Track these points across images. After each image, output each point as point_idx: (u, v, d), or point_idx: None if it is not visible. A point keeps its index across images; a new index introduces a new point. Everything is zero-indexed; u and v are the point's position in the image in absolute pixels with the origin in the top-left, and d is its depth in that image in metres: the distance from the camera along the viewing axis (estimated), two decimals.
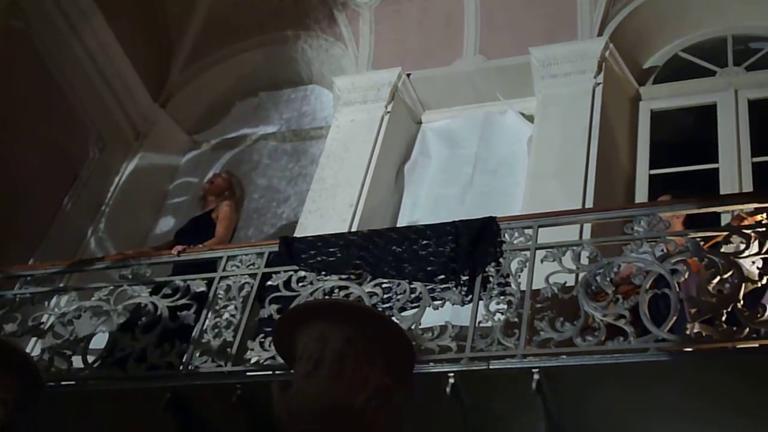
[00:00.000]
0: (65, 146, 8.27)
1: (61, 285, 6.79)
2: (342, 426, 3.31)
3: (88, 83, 8.53)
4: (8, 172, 7.55)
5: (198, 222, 7.17)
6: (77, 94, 8.43)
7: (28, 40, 7.88)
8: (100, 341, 6.10)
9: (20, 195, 7.67)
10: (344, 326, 3.42)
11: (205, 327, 5.82)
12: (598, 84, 7.79)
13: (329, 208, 7.66)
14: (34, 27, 7.93)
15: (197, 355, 5.70)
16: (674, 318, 4.96)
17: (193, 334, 5.82)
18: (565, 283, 5.36)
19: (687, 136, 8.12)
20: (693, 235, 5.28)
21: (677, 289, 5.05)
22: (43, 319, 6.43)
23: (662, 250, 5.34)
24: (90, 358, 6.02)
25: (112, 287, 6.21)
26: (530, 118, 8.15)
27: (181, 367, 5.68)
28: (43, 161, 7.93)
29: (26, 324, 6.34)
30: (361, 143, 8.13)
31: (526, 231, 5.65)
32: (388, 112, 8.36)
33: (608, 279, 5.20)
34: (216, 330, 5.80)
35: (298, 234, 7.02)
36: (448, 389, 5.11)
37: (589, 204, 6.78)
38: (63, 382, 5.85)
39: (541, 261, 5.47)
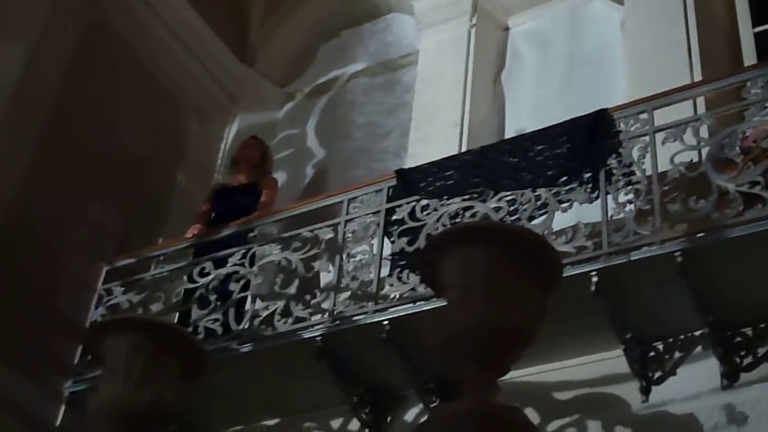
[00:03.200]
0: (167, 125, 8.39)
1: (192, 259, 6.96)
2: (503, 344, 3.33)
3: (174, 58, 8.61)
4: (120, 161, 7.71)
5: (239, 192, 7.25)
6: (166, 71, 8.53)
7: (111, 29, 7.97)
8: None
9: (136, 180, 7.84)
10: (486, 247, 3.43)
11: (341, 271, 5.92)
12: None
13: (434, 132, 7.61)
14: (113, 15, 8.02)
15: (339, 300, 5.80)
16: None
17: (331, 280, 5.95)
18: (692, 160, 5.27)
19: None
20: None
21: None
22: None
23: None
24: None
25: (244, 250, 6.34)
26: (619, 2, 7.91)
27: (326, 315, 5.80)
28: (150, 143, 8.08)
29: (170, 301, 6.55)
30: (452, 62, 8.03)
31: (641, 116, 5.56)
32: (473, 25, 8.20)
33: (737, 147, 5.08)
34: (352, 273, 5.89)
35: (408, 164, 7.02)
36: (592, 288, 5.10)
37: (697, 77, 6.58)
38: (215, 348, 5.99)
39: (662, 143, 5.38)
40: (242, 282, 6.16)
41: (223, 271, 6.29)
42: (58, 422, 6.55)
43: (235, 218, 6.78)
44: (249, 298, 6.27)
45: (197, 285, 6.33)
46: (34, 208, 6.90)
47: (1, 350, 6.38)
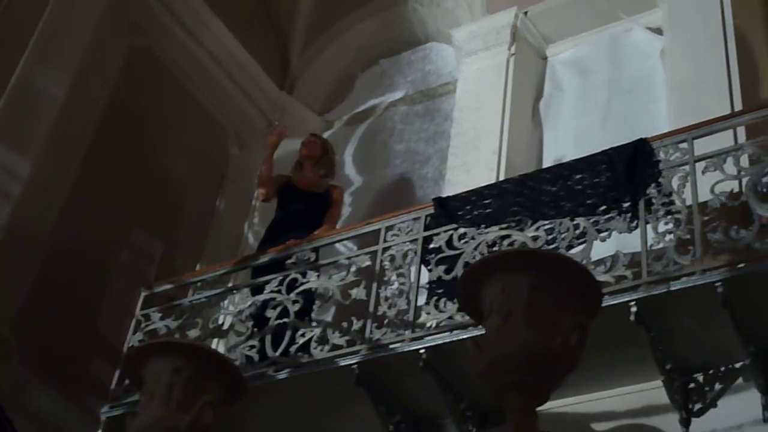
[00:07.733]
0: (207, 150, 8.49)
1: (231, 284, 6.98)
2: (545, 370, 3.32)
3: (215, 84, 8.74)
4: (160, 186, 7.80)
5: (307, 198, 7.33)
6: (207, 96, 8.64)
7: (153, 55, 8.11)
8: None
9: (175, 205, 7.93)
10: (526, 273, 3.43)
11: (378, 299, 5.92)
12: None
13: (473, 160, 7.62)
14: (157, 41, 8.15)
15: (375, 328, 5.79)
16: None
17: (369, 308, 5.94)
18: (732, 190, 5.22)
19: None
20: None
21: None
22: (221, 320, 6.64)
23: None
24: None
25: (281, 277, 6.35)
26: (658, 31, 7.90)
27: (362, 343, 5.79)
28: (190, 168, 8.17)
29: (207, 327, 6.55)
30: (491, 90, 8.04)
31: (681, 145, 5.52)
32: (512, 54, 8.21)
33: None
34: (389, 300, 5.88)
35: (446, 191, 7.02)
36: (631, 318, 5.05)
37: (738, 105, 6.53)
38: (252, 375, 5.99)
39: (703, 172, 5.33)
40: (279, 309, 6.16)
41: (260, 297, 6.31)
42: None
43: (301, 223, 6.90)
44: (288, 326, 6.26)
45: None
46: (77, 232, 6.98)
47: (43, 372, 6.45)
